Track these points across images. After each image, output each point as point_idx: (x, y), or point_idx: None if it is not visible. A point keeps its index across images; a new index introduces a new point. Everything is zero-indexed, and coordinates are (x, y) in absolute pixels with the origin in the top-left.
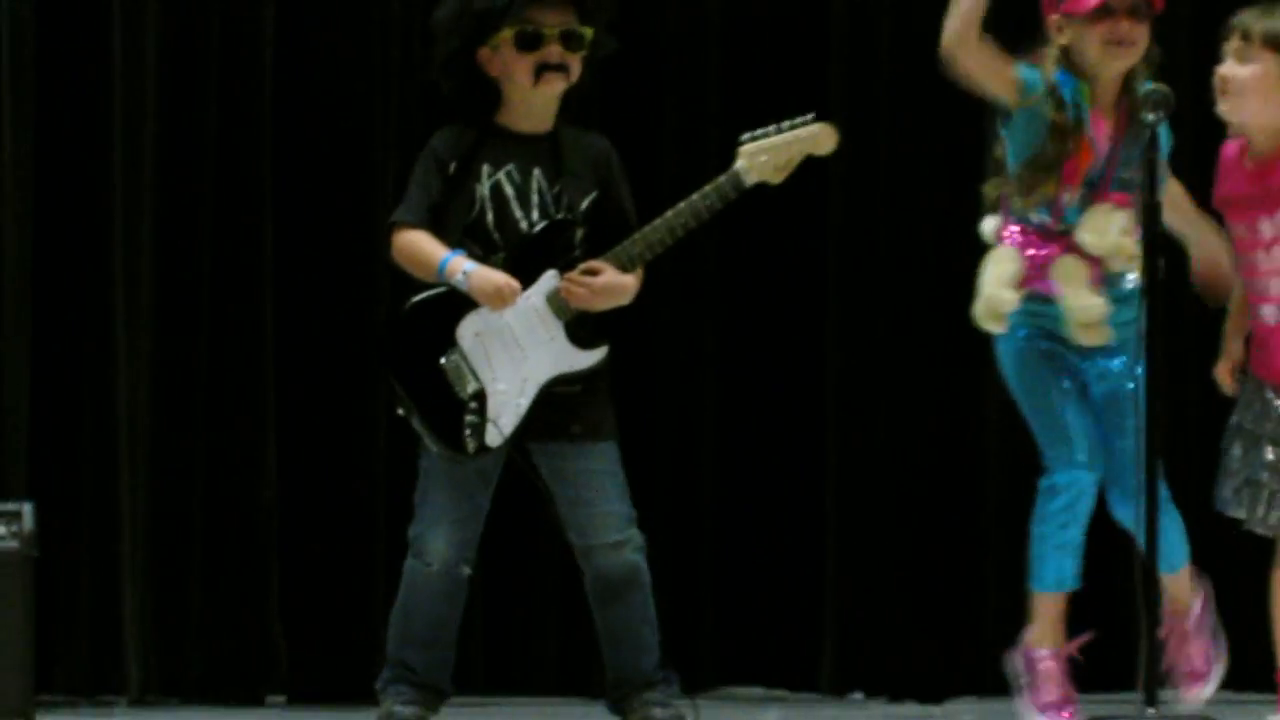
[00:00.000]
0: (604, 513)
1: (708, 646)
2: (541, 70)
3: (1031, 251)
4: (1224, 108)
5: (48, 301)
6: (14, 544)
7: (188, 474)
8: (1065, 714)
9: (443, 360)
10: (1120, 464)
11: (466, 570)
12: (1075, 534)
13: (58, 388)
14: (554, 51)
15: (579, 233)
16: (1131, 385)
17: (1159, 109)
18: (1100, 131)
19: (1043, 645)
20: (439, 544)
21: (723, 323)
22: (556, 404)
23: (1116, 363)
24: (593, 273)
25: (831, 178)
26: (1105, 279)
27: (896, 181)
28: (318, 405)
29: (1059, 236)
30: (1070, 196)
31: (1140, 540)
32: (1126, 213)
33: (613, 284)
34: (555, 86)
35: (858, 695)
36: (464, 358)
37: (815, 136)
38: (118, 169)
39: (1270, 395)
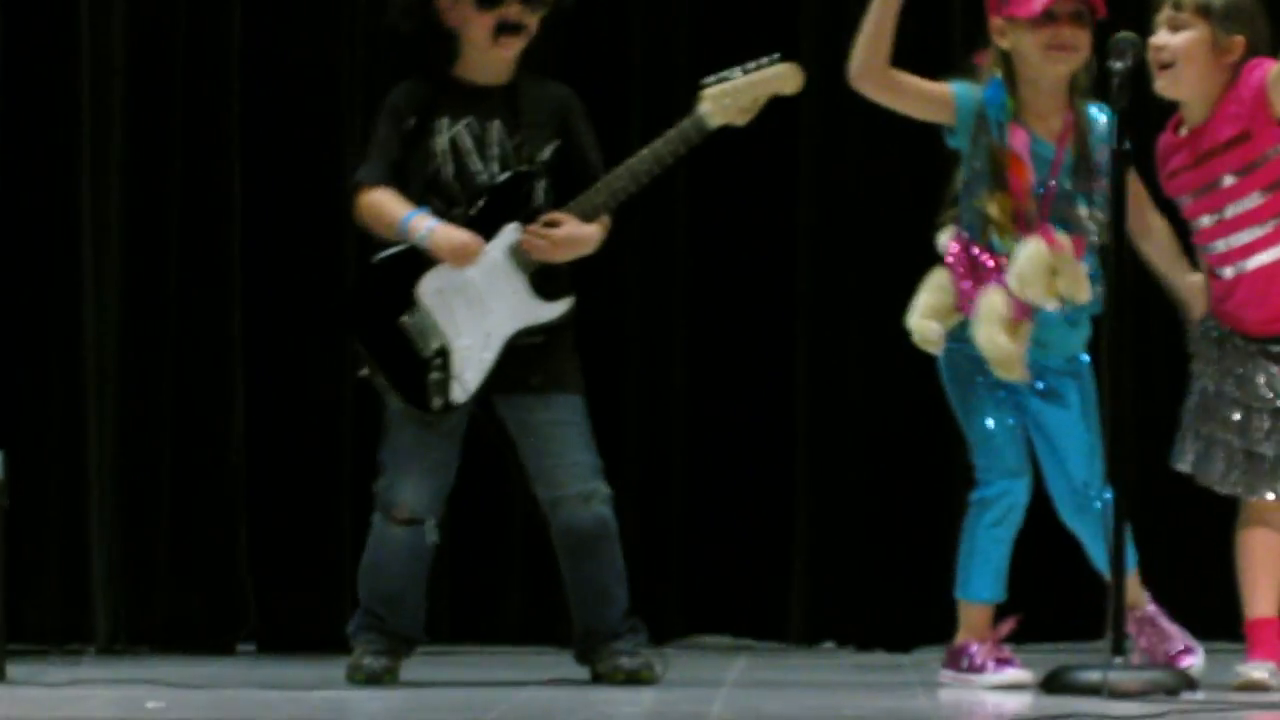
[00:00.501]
0: (570, 463)
1: (676, 595)
2: (500, 30)
3: (966, 283)
4: (1161, 83)
5: (14, 252)
6: None
7: (155, 424)
8: (1007, 663)
9: (403, 319)
10: (1067, 475)
11: (434, 525)
12: (1004, 549)
13: (25, 338)
14: (513, 10)
15: (542, 183)
16: (1076, 399)
17: (1125, 56)
18: (1019, 142)
19: (970, 640)
20: (406, 497)
21: (692, 272)
22: (519, 356)
23: (1055, 381)
24: (553, 224)
25: (801, 125)
26: (1034, 312)
27: (870, 132)
28: (285, 355)
29: (998, 264)
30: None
31: (1087, 542)
32: (1054, 250)
33: (574, 235)
34: (513, 48)
35: (828, 644)
36: (426, 315)
37: (780, 76)
38: (86, 111)
39: (1235, 347)
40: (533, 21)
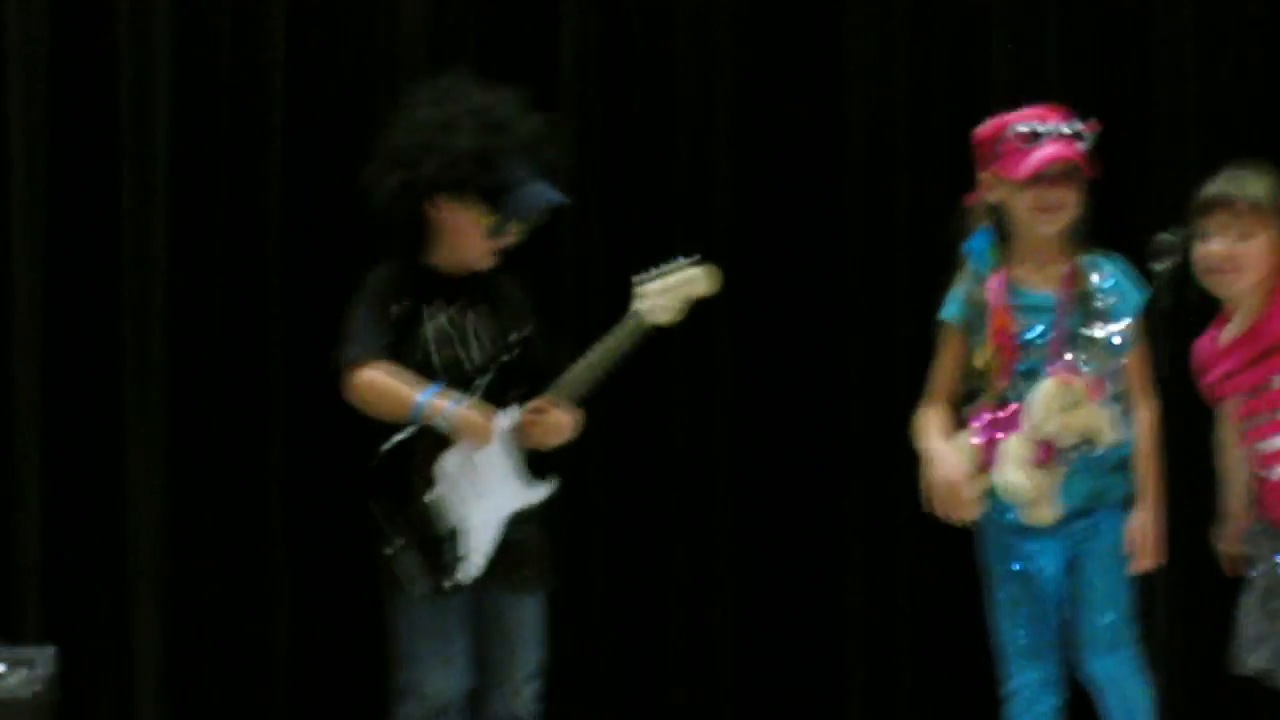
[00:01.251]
0: (522, 659)
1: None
2: (498, 250)
3: (986, 441)
4: (1222, 285)
5: (60, 459)
6: (36, 688)
7: (200, 611)
8: None
9: (427, 498)
10: (1088, 628)
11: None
12: None
13: (70, 528)
14: (509, 240)
15: (522, 370)
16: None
17: (1167, 257)
18: (995, 289)
19: None
20: (437, 682)
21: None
22: (511, 552)
23: (1080, 525)
24: (541, 410)
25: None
26: (1058, 455)
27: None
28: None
29: (1012, 415)
30: (1012, 362)
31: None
32: (1066, 386)
33: (564, 421)
34: (496, 263)
35: None
36: (443, 495)
37: (693, 279)
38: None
39: None
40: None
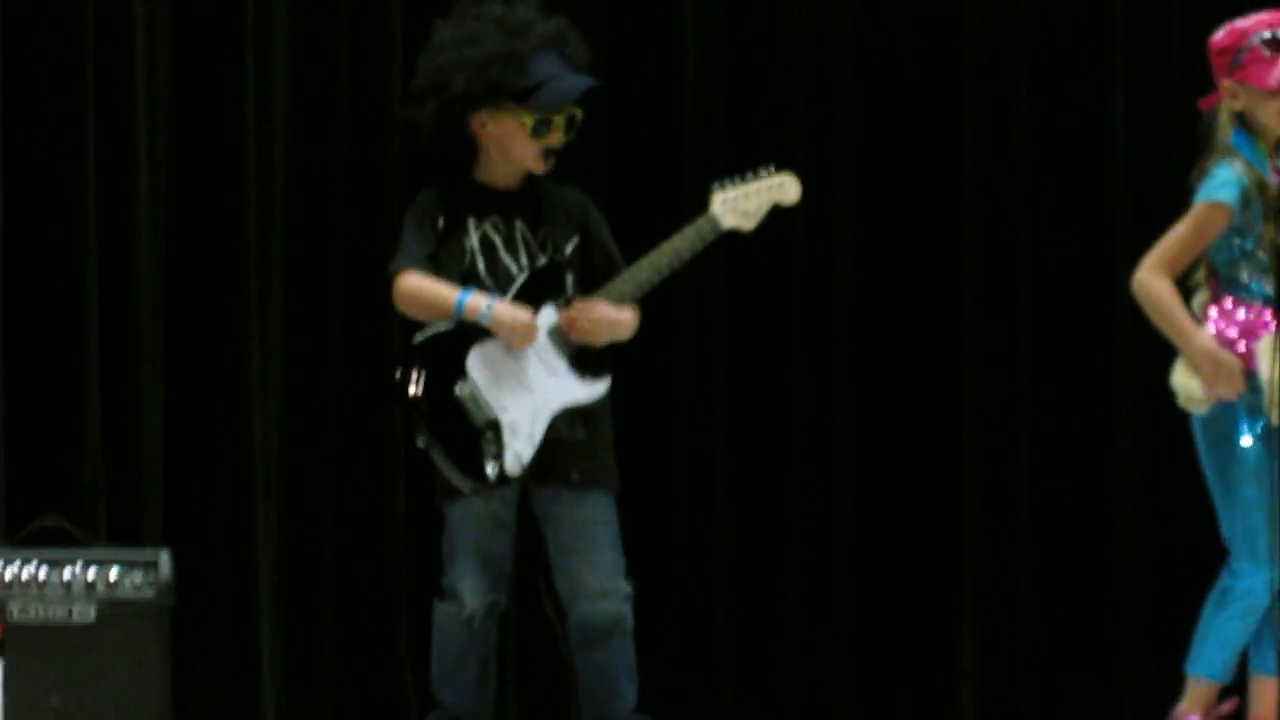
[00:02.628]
0: (595, 561)
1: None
2: (546, 154)
3: (1240, 342)
4: None
5: (182, 349)
6: (151, 592)
7: (319, 520)
8: None
9: (457, 390)
10: None
11: (497, 611)
12: (1244, 636)
13: (193, 435)
14: (557, 137)
15: (570, 275)
16: None
17: None
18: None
19: (1192, 712)
20: (468, 593)
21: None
22: (561, 450)
23: None
24: (582, 308)
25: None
26: None
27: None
28: None
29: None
30: None
31: None
32: None
33: (612, 317)
34: (549, 165)
35: None
36: (476, 388)
37: (782, 185)
38: (251, 231)
39: None
40: (564, 142)
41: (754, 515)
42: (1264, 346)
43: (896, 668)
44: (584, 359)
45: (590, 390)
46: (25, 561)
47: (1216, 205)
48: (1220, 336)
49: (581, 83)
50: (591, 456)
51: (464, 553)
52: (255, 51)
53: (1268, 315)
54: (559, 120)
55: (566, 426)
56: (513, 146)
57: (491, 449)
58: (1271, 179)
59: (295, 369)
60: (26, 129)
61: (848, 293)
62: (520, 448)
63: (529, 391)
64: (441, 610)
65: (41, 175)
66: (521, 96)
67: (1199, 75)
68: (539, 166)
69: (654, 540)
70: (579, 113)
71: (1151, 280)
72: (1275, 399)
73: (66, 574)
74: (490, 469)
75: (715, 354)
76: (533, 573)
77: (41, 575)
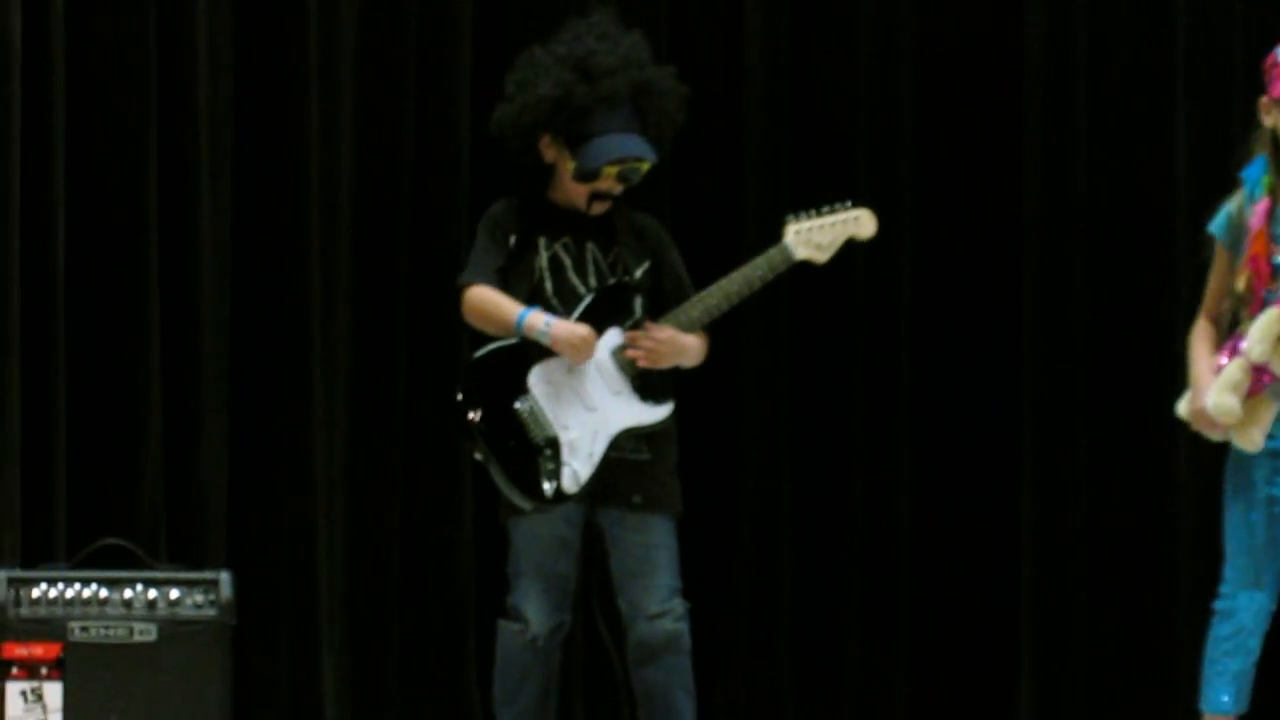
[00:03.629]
0: (654, 585)
1: None
2: (594, 198)
3: (1222, 360)
4: None
5: (245, 369)
6: (213, 612)
7: (385, 541)
8: None
9: (517, 405)
10: None
11: (561, 633)
12: (1243, 660)
13: (256, 456)
14: (608, 184)
15: (639, 298)
16: None
17: None
18: (1257, 213)
19: None
20: (532, 614)
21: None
22: (625, 471)
23: None
24: (647, 333)
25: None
26: (1275, 384)
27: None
28: None
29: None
30: (1264, 288)
31: None
32: None
33: (678, 342)
34: (603, 209)
35: None
36: (537, 404)
37: (858, 219)
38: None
39: None
40: (621, 188)
41: (816, 537)
42: (1220, 377)
43: (957, 690)
44: (647, 382)
45: (653, 413)
46: (86, 582)
47: (1209, 238)
48: (1217, 369)
49: (629, 149)
50: (654, 479)
51: (528, 574)
52: (320, 64)
53: (1243, 341)
54: (609, 169)
55: (631, 447)
56: (563, 179)
57: (549, 466)
58: (1249, 212)
59: (360, 388)
60: (89, 149)
61: (909, 320)
62: (579, 466)
63: (590, 411)
64: (506, 630)
65: (103, 196)
66: (572, 140)
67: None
68: (585, 207)
69: (717, 562)
70: (642, 165)
71: (1194, 325)
72: (1228, 421)
73: (128, 593)
74: (548, 486)
75: (778, 379)
76: (588, 592)
77: (103, 595)
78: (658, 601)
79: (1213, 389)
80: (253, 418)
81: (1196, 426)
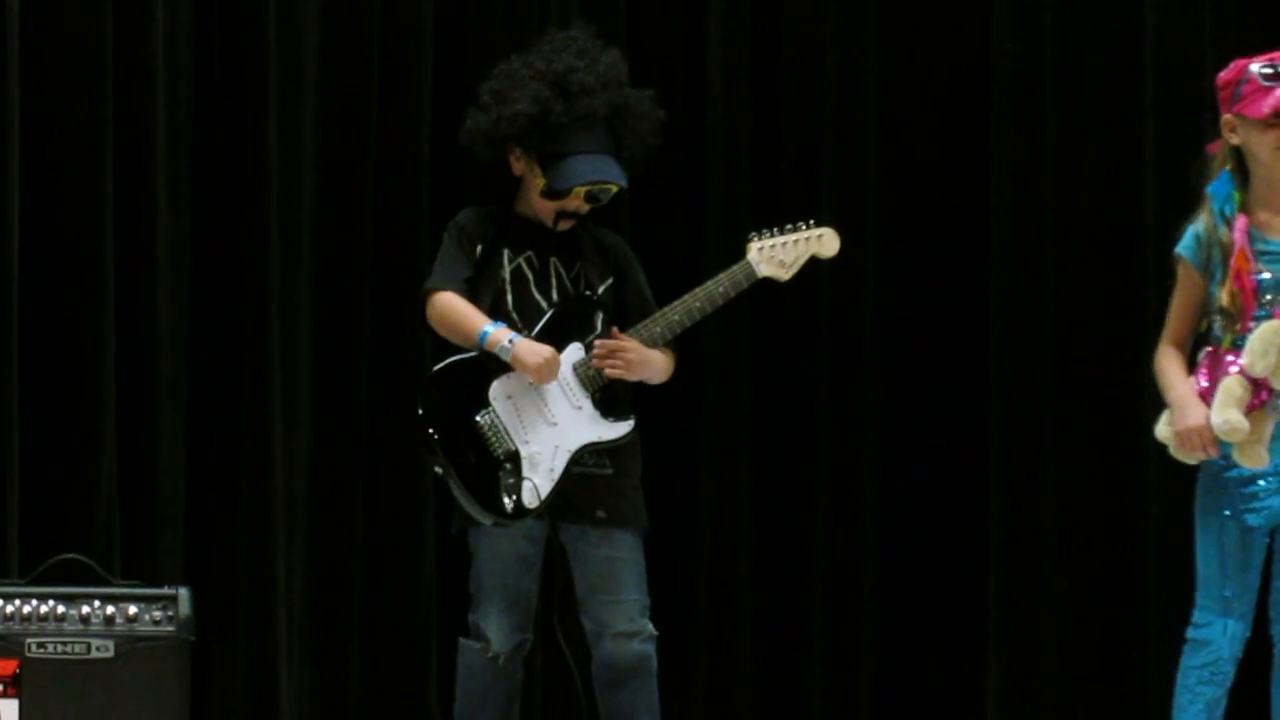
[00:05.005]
0: (620, 601)
1: None
2: (560, 215)
3: (1206, 383)
4: None
5: (202, 381)
6: (171, 629)
7: (345, 557)
8: None
9: (477, 418)
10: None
11: (523, 651)
12: (1217, 690)
13: (214, 471)
14: (575, 204)
15: (601, 314)
16: None
17: None
18: (1238, 230)
19: None
20: (494, 632)
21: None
22: (588, 486)
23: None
24: (609, 347)
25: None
26: (1274, 399)
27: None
28: None
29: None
30: (1252, 306)
31: None
32: None
33: (646, 356)
34: (569, 226)
35: None
36: (498, 417)
37: (821, 238)
38: (275, 263)
39: None
40: (589, 208)
41: (779, 555)
42: (1219, 393)
43: (922, 709)
44: (609, 397)
45: (613, 429)
46: (43, 598)
47: (1177, 259)
48: (1199, 389)
49: (601, 174)
50: (618, 494)
51: (490, 592)
52: (280, 68)
53: (1231, 356)
54: (577, 189)
55: (593, 462)
56: (530, 194)
57: (509, 481)
58: (1222, 231)
59: (321, 402)
60: (43, 158)
61: (874, 336)
62: (539, 481)
63: (551, 425)
64: (467, 648)
65: (57, 207)
66: (544, 158)
67: None
68: (551, 224)
69: (679, 580)
70: (612, 187)
71: (1158, 350)
72: (1233, 438)
73: (85, 609)
74: (507, 501)
75: (740, 394)
76: (550, 609)
77: (60, 610)
78: (625, 619)
79: (1215, 407)
80: (211, 432)
81: (1180, 447)
